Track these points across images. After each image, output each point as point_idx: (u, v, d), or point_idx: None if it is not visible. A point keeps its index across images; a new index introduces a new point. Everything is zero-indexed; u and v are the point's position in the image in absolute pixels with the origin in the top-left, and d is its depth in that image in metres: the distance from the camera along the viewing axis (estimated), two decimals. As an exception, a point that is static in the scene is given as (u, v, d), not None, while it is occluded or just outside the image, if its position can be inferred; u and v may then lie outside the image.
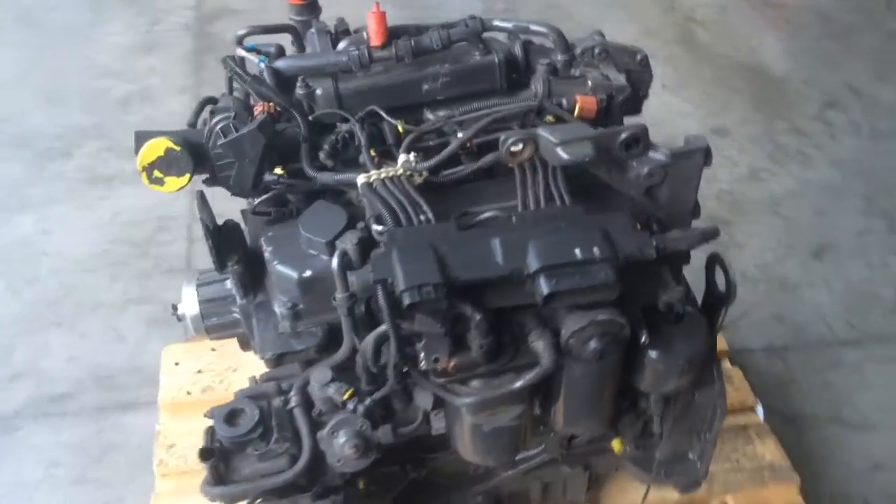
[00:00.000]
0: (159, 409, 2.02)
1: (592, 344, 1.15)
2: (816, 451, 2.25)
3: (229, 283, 1.37)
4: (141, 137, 1.25)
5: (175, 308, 1.40)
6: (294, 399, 1.27)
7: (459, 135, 1.29)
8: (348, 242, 1.21)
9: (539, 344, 1.16)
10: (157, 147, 1.23)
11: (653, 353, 1.27)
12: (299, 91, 1.33)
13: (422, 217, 1.17)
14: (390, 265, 1.11)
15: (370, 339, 1.17)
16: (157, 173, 1.24)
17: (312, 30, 1.44)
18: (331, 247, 1.23)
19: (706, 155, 1.22)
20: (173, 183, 1.25)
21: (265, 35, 1.45)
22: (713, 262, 1.36)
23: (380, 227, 1.19)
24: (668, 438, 1.53)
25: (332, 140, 1.30)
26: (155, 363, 2.26)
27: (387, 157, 1.30)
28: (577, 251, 1.12)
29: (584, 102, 1.29)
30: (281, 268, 1.25)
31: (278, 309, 1.28)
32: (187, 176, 1.25)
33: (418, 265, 1.10)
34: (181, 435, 1.96)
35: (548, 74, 1.33)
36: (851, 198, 3.12)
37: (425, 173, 1.22)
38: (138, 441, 2.12)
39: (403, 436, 1.28)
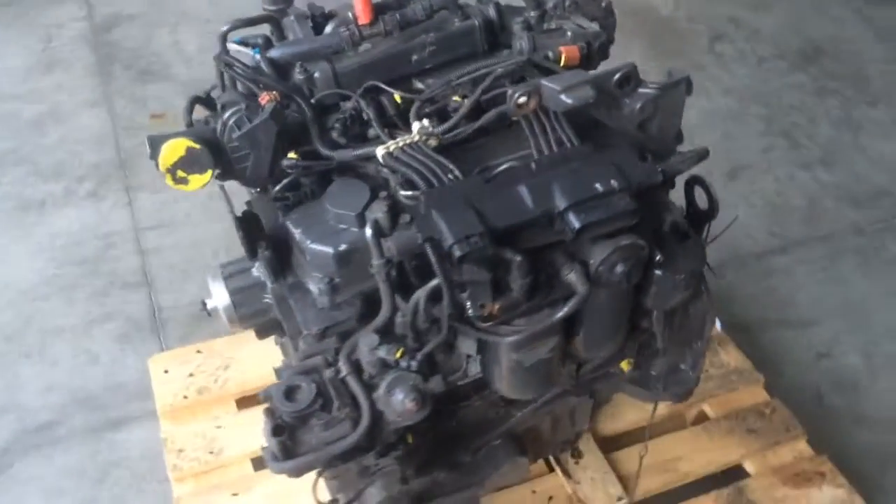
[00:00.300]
0: (160, 418, 2.02)
1: (619, 268, 1.27)
2: (770, 351, 2.47)
3: (255, 271, 1.41)
4: (155, 141, 1.27)
5: (204, 304, 1.43)
6: (344, 367, 1.33)
7: (455, 98, 1.38)
8: (378, 211, 1.28)
9: (572, 276, 1.26)
10: (177, 148, 1.25)
11: (659, 272, 1.40)
12: (299, 76, 1.37)
13: (450, 176, 1.25)
14: (433, 223, 1.19)
15: (421, 295, 1.24)
16: (180, 173, 1.26)
17: (291, 17, 1.48)
18: (360, 219, 1.29)
19: (688, 85, 1.35)
20: (197, 181, 1.28)
21: (242, 28, 1.48)
22: (692, 183, 1.49)
23: (409, 192, 1.26)
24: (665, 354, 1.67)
25: (341, 118, 1.36)
26: (135, 378, 2.26)
27: (391, 127, 1.37)
28: (598, 185, 1.23)
29: (569, 52, 1.39)
30: (316, 246, 1.30)
31: (314, 286, 1.33)
32: (209, 172, 1.28)
33: (460, 219, 1.18)
34: (188, 438, 1.98)
35: (529, 31, 1.43)
36: (752, 121, 3.37)
37: (440, 137, 1.30)
38: (139, 454, 2.12)
39: (452, 383, 1.37)
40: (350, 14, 1.42)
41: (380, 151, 1.29)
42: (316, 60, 1.39)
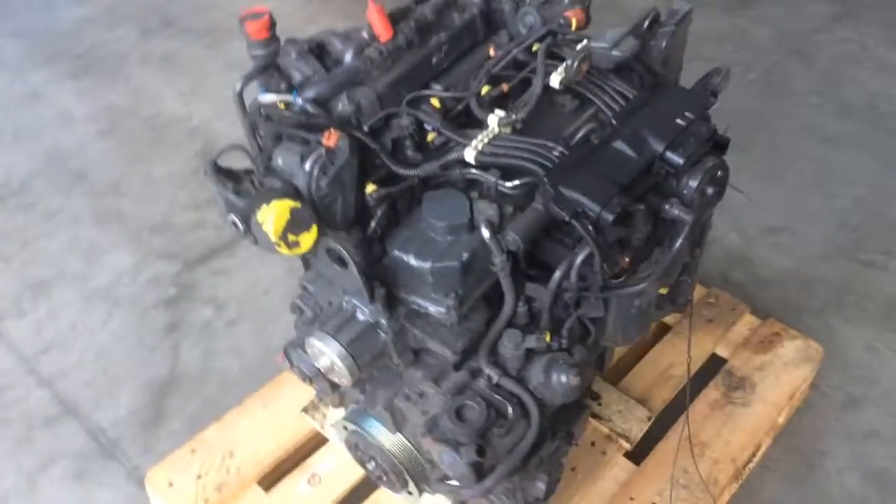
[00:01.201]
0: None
1: (710, 190, 1.36)
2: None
3: (360, 316, 1.36)
4: (247, 213, 1.19)
5: (316, 370, 1.36)
6: (493, 372, 1.33)
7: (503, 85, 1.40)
8: (487, 210, 1.28)
9: (675, 210, 1.33)
10: (282, 212, 1.18)
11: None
12: (346, 107, 1.33)
13: (555, 153, 1.28)
14: (569, 199, 1.22)
15: (573, 270, 1.26)
16: (291, 237, 1.19)
17: (291, 55, 1.41)
18: (471, 224, 1.29)
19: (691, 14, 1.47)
20: (307, 239, 1.21)
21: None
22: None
23: (516, 182, 1.28)
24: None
25: (405, 135, 1.34)
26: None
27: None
28: (679, 121, 1.32)
29: (575, 15, 1.45)
30: (439, 265, 1.27)
31: (437, 307, 1.31)
32: (315, 227, 1.22)
33: (594, 187, 1.23)
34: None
35: (535, 8, 1.47)
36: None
37: (519, 122, 1.32)
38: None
39: (589, 347, 1.41)
40: (365, 34, 1.39)
41: (469, 153, 1.29)
42: (353, 88, 1.35)
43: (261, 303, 2.56)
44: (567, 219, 1.21)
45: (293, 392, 2.02)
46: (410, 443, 1.53)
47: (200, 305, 2.56)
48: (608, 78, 1.39)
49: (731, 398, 1.97)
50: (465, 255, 1.28)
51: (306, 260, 1.55)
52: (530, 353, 1.34)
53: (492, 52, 1.49)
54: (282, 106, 1.34)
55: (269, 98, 1.32)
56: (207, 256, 2.72)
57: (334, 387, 1.53)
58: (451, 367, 1.37)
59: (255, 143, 1.36)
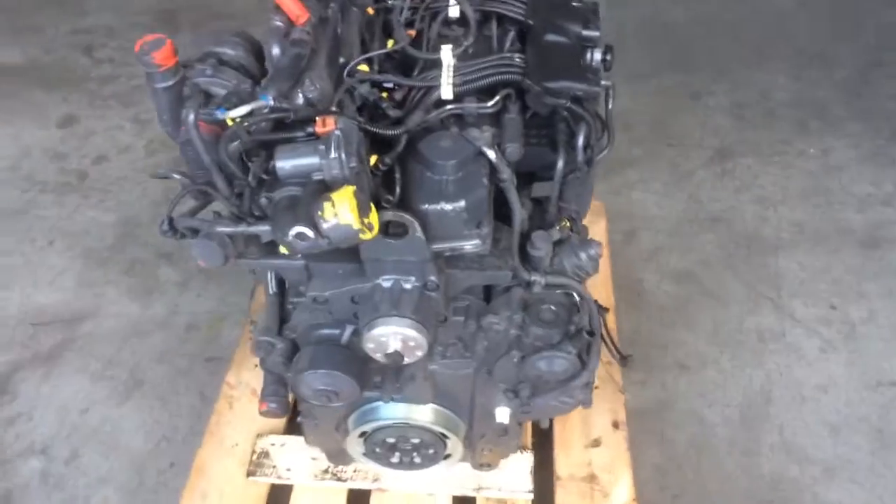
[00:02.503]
0: None
1: (608, 56, 1.56)
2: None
3: (396, 290, 1.34)
4: (322, 205, 1.12)
5: (395, 352, 1.32)
6: (537, 276, 1.40)
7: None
8: (482, 136, 1.34)
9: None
10: (350, 198, 1.13)
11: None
12: (311, 93, 1.27)
13: (517, 59, 1.38)
14: (558, 89, 1.34)
15: (578, 151, 1.38)
16: (365, 220, 1.15)
17: (206, 72, 1.31)
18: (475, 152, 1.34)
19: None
20: (374, 218, 1.17)
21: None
22: None
23: (492, 101, 1.36)
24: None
25: (372, 101, 1.34)
26: None
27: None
28: (574, 3, 1.50)
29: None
30: (473, 198, 1.30)
31: (471, 242, 1.33)
32: (372, 205, 1.18)
33: (569, 73, 1.36)
34: None
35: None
36: None
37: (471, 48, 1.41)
38: None
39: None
40: (279, 23, 1.33)
41: (446, 91, 1.33)
42: (303, 74, 1.30)
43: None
44: (566, 103, 1.33)
45: (221, 471, 1.94)
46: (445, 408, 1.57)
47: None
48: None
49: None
50: (486, 181, 1.33)
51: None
52: (556, 245, 1.44)
53: (370, 11, 1.52)
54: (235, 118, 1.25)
55: (241, 111, 1.22)
56: None
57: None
58: (498, 293, 1.42)
59: (234, 167, 1.25)
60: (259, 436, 1.99)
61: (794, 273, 2.70)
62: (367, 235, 1.16)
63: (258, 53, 1.43)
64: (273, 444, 1.97)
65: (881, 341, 2.49)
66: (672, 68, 3.52)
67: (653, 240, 2.81)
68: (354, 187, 1.15)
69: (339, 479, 1.90)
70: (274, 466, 1.92)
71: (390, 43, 1.45)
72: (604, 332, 1.53)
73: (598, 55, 1.50)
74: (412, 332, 1.31)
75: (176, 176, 1.37)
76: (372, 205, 1.18)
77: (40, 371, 2.38)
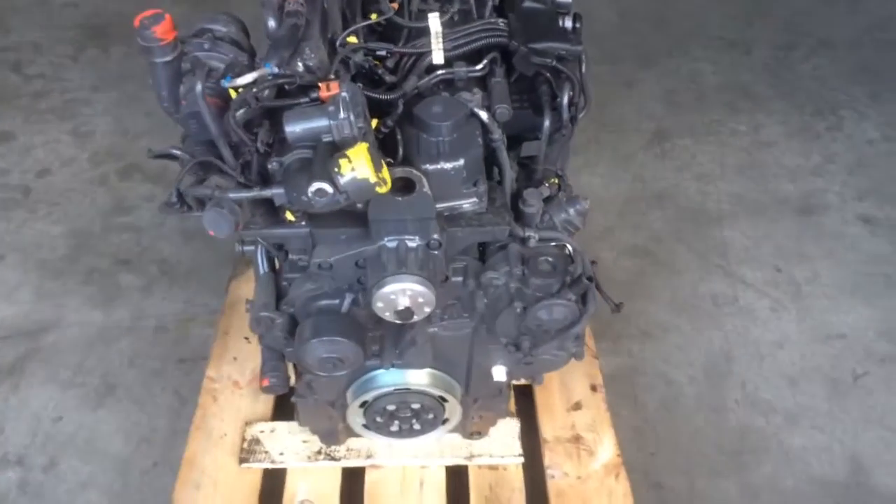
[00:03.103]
0: None
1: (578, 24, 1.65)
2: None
3: (403, 248, 1.37)
4: (336, 162, 1.16)
5: (405, 309, 1.35)
6: (531, 231, 1.47)
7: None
8: (473, 98, 1.40)
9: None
10: (364, 154, 1.17)
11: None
12: (311, 61, 1.31)
13: (501, 24, 1.46)
14: (543, 50, 1.42)
15: (563, 109, 1.45)
16: (380, 175, 1.19)
17: (205, 47, 1.33)
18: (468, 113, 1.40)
19: None
20: (386, 174, 1.22)
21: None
22: None
23: (481, 65, 1.43)
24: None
25: (367, 68, 1.39)
26: None
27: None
28: None
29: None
30: (470, 156, 1.36)
31: (468, 200, 1.39)
32: (383, 162, 1.22)
33: (552, 34, 1.45)
34: None
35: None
36: None
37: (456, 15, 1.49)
38: None
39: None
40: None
41: (438, 56, 1.39)
42: (301, 44, 1.33)
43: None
44: (552, 63, 1.40)
45: (212, 462, 1.93)
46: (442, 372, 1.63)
47: None
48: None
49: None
50: (480, 139, 1.39)
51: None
52: (545, 202, 1.50)
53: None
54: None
55: (247, 79, 1.25)
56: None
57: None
58: (493, 251, 1.48)
59: (239, 135, 1.27)
60: (248, 424, 1.99)
61: (739, 241, 2.84)
62: (383, 189, 1.20)
63: (245, 30, 1.46)
64: (262, 431, 1.97)
65: (826, 298, 2.65)
66: (602, 60, 3.66)
67: (604, 219, 2.91)
68: (367, 144, 1.19)
69: (332, 459, 1.92)
70: (266, 452, 1.93)
71: (374, 16, 1.50)
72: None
73: (568, 22, 1.58)
74: (420, 288, 1.35)
75: (175, 152, 1.38)
76: (382, 161, 1.23)
77: (6, 384, 2.32)
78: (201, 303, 2.56)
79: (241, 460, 1.92)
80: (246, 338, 2.18)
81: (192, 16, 1.35)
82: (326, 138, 1.23)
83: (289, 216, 1.35)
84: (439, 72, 1.42)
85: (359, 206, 1.31)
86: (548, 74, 1.47)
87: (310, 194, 1.18)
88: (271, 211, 1.37)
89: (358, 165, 1.17)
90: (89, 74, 3.64)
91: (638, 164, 3.17)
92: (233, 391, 2.08)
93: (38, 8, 4.05)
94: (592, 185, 3.04)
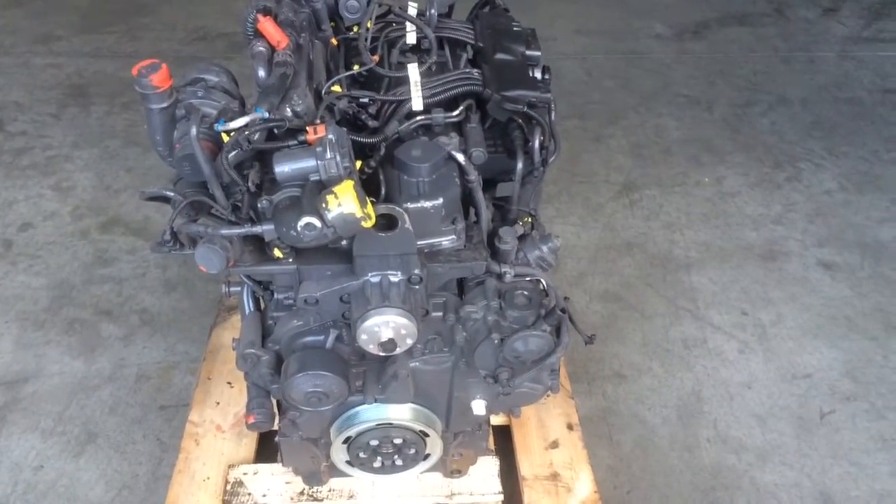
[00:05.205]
0: None
1: (546, 76, 1.76)
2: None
3: (386, 283, 1.43)
4: (317, 198, 1.24)
5: (389, 341, 1.41)
6: (507, 267, 1.54)
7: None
8: (450, 142, 1.50)
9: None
10: (351, 191, 1.25)
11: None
12: (299, 107, 1.40)
13: (475, 73, 1.56)
14: (515, 97, 1.52)
15: (534, 153, 1.54)
16: (366, 210, 1.26)
17: (198, 94, 1.41)
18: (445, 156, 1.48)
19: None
20: (371, 210, 1.29)
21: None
22: None
23: (457, 111, 1.52)
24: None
25: (351, 114, 1.47)
26: None
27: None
28: (515, 28, 1.69)
29: (381, -10, 1.71)
30: (448, 196, 1.45)
31: (447, 238, 1.47)
32: (368, 199, 1.30)
33: (523, 83, 1.55)
34: None
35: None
36: None
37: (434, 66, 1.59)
38: None
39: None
40: (261, 49, 1.45)
41: (417, 103, 1.48)
42: (288, 91, 1.42)
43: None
44: (523, 109, 1.50)
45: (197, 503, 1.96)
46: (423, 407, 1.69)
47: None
48: (448, 21, 1.68)
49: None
50: (458, 180, 1.48)
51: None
52: (519, 240, 1.59)
53: (334, 42, 1.66)
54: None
55: (239, 122, 1.33)
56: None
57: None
58: (471, 287, 1.55)
59: (231, 176, 1.35)
60: (231, 467, 2.02)
61: (706, 286, 2.94)
62: (368, 223, 1.28)
63: (234, 80, 1.54)
64: (245, 474, 2.00)
65: (791, 340, 2.74)
66: (572, 115, 3.81)
67: (576, 266, 3.00)
68: (354, 181, 1.27)
69: (315, 500, 1.94)
70: (249, 494, 1.95)
71: (356, 67, 1.60)
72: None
73: (538, 73, 1.69)
74: (403, 320, 1.42)
75: (168, 193, 1.45)
76: (367, 198, 1.31)
77: (-14, 433, 2.33)
78: (182, 351, 2.59)
79: (225, 502, 1.94)
80: (229, 383, 2.22)
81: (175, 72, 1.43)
82: (314, 177, 1.32)
83: (277, 253, 1.41)
84: (419, 117, 1.51)
85: (343, 242, 1.39)
86: (520, 120, 1.57)
87: (299, 229, 1.26)
88: (260, 249, 1.44)
89: (344, 201, 1.24)
90: (70, 132, 3.71)
91: (608, 213, 3.28)
92: (215, 435, 2.10)
93: (20, 69, 4.14)
94: (565, 234, 3.14)
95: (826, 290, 2.95)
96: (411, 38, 1.64)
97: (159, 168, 3.27)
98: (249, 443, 2.09)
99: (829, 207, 3.34)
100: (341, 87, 1.55)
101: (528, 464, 2.08)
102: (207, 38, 4.45)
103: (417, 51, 1.68)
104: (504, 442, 2.14)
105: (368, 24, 1.64)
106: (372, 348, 1.45)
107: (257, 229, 1.34)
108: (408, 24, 1.65)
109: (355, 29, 1.69)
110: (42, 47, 4.31)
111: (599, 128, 3.78)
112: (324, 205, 1.25)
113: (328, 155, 1.30)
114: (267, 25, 1.45)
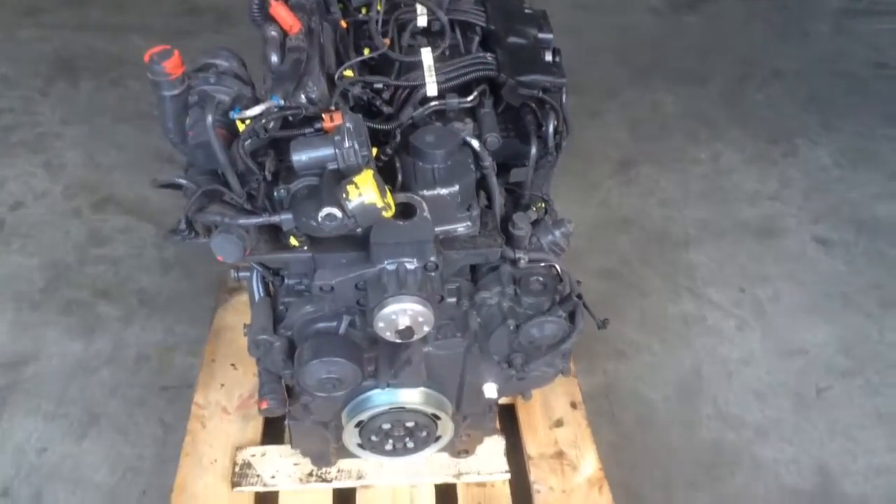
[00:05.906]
0: None
1: (557, 58, 1.74)
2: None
3: (402, 270, 1.43)
4: (344, 190, 1.22)
5: (407, 328, 1.41)
6: (521, 253, 1.54)
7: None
8: (464, 128, 1.49)
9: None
10: (371, 181, 1.24)
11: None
12: (313, 94, 1.38)
13: (489, 58, 1.55)
14: (529, 82, 1.51)
15: (548, 138, 1.53)
16: (386, 199, 1.26)
17: (210, 80, 1.39)
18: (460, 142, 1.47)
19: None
20: (390, 199, 1.28)
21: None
22: None
23: (472, 96, 1.51)
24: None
25: (365, 100, 1.46)
26: None
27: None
28: (527, 10, 1.67)
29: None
30: (464, 182, 1.44)
31: (462, 224, 1.46)
32: (387, 188, 1.29)
33: (538, 67, 1.53)
34: None
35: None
36: None
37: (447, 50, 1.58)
38: None
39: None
40: (273, 34, 1.42)
41: (432, 88, 1.47)
42: (303, 77, 1.40)
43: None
44: (538, 94, 1.49)
45: (203, 487, 1.97)
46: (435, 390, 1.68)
47: None
48: (459, 2, 1.66)
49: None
50: (472, 166, 1.47)
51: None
52: (532, 225, 1.58)
53: (343, 24, 1.64)
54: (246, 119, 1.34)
55: (255, 110, 1.31)
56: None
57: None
58: (484, 272, 1.55)
59: (247, 164, 1.33)
60: (238, 449, 2.02)
61: (704, 264, 2.96)
62: (388, 213, 1.27)
63: (244, 65, 1.52)
64: (254, 455, 2.00)
65: (787, 316, 2.77)
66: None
67: (574, 244, 2.97)
68: (373, 170, 1.26)
69: (324, 481, 1.95)
70: (258, 475, 1.96)
71: (367, 51, 1.58)
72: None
73: (549, 56, 1.67)
74: (420, 308, 1.42)
75: (180, 181, 1.43)
76: (387, 188, 1.30)
77: (-13, 416, 2.32)
78: (181, 332, 2.58)
79: (234, 484, 1.95)
80: (233, 365, 2.22)
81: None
82: (332, 166, 1.30)
83: (293, 241, 1.40)
84: (433, 103, 1.49)
85: (358, 230, 1.38)
86: (533, 105, 1.56)
87: (319, 219, 1.25)
88: (275, 237, 1.43)
89: (365, 191, 1.23)
90: (59, 108, 3.65)
91: (605, 190, 3.28)
92: (221, 417, 2.10)
93: (6, 42, 4.05)
94: (561, 211, 3.12)
95: (822, 267, 2.97)
96: (422, 21, 1.62)
97: (151, 146, 3.24)
98: (256, 424, 2.10)
99: (824, 183, 3.36)
100: (353, 72, 1.53)
101: (534, 443, 2.09)
102: (195, 12, 4.36)
103: (428, 34, 1.66)
104: (509, 421, 2.15)
105: (379, 7, 1.62)
106: (389, 336, 1.45)
107: (276, 219, 1.32)
108: (418, 6, 1.63)
109: (364, 11, 1.67)
110: (29, 19, 4.22)
111: (595, 103, 3.76)
112: (344, 195, 1.24)
113: (346, 144, 1.28)
114: (279, 10, 1.42)
